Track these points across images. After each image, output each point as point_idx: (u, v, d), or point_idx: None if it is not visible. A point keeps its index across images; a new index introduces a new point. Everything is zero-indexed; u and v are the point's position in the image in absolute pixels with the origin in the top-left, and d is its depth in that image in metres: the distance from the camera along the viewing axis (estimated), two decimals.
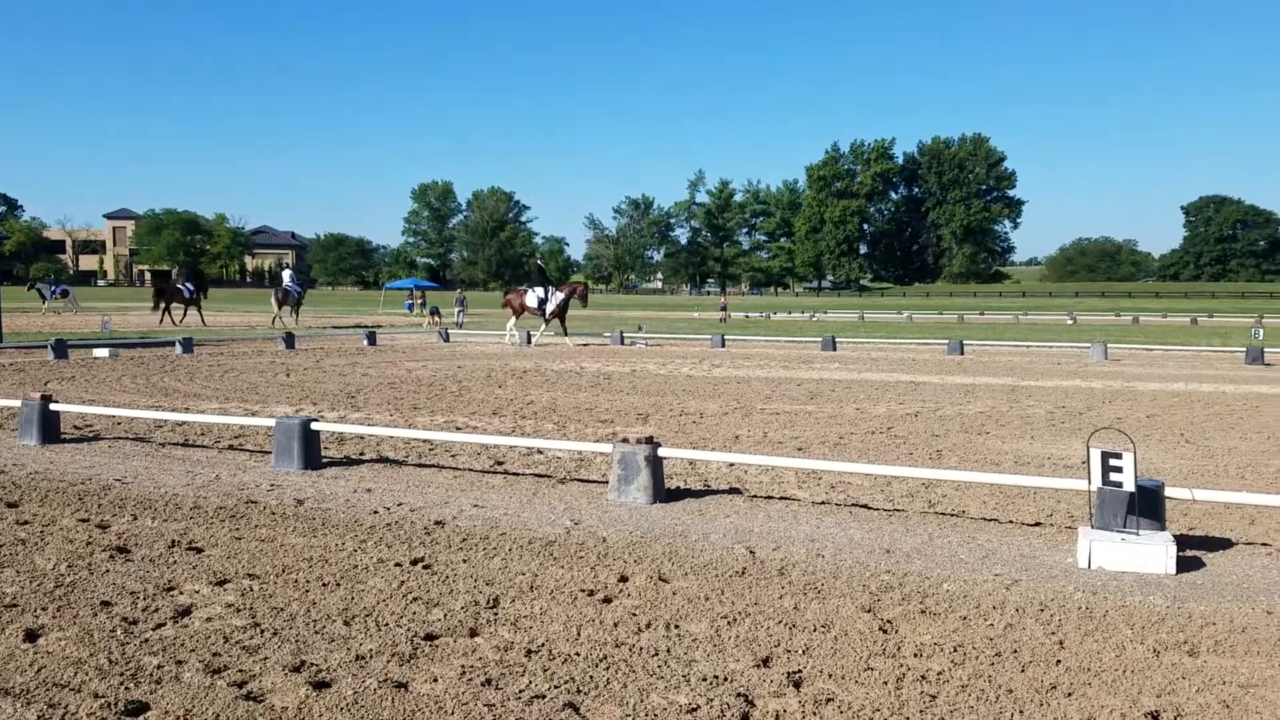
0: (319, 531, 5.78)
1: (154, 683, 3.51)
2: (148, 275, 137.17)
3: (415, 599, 4.51)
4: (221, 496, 6.70)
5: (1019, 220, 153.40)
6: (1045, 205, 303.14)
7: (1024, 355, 23.15)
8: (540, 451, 8.56)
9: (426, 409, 11.70)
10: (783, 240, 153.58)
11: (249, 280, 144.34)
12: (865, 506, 6.66)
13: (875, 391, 14.17)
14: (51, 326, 30.98)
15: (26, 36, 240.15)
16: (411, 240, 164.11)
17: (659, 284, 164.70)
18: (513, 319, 26.11)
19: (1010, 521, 6.27)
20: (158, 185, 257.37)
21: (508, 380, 15.59)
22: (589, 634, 4.09)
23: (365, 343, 24.83)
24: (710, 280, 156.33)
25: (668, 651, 3.89)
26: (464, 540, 5.60)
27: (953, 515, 6.43)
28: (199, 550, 5.33)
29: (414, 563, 5.13)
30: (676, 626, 4.19)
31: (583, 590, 4.68)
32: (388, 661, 3.74)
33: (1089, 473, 5.31)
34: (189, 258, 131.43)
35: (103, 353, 19.31)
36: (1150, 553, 5.04)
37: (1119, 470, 5.18)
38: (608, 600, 4.54)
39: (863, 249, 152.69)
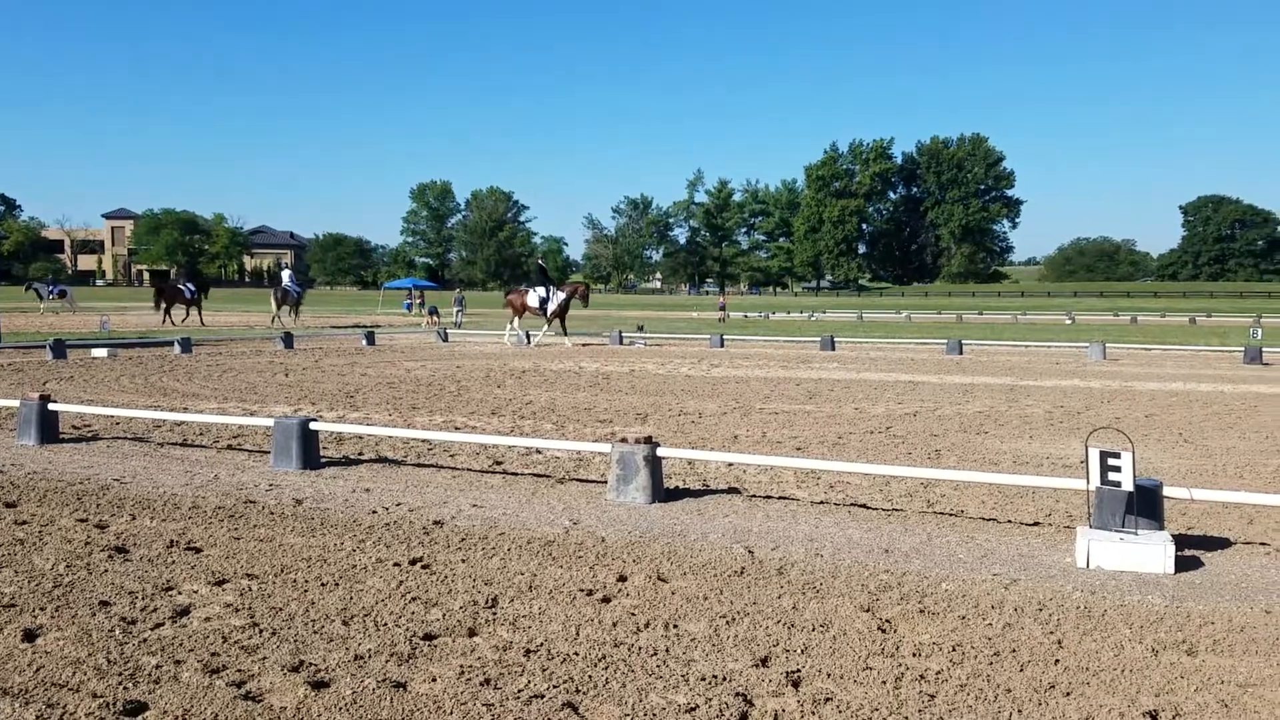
0: (317, 531, 5.78)
1: (152, 682, 3.50)
2: (146, 275, 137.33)
3: (414, 599, 4.51)
4: (220, 496, 6.70)
5: (1017, 220, 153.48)
6: (1044, 205, 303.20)
7: (1022, 355, 23.16)
8: (539, 451, 8.56)
9: (425, 409, 11.70)
10: (781, 240, 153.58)
11: (247, 280, 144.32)
12: (864, 506, 6.67)
13: (874, 391, 14.18)
14: (50, 326, 30.95)
15: (26, 36, 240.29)
16: (410, 240, 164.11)
17: (658, 284, 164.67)
18: (515, 319, 26.06)
19: (1009, 521, 6.27)
20: (156, 185, 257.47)
21: (506, 380, 15.59)
22: (588, 634, 4.09)
23: (364, 342, 24.82)
24: (709, 280, 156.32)
25: (666, 651, 3.89)
26: (463, 540, 5.60)
27: (951, 515, 6.43)
28: (197, 550, 5.33)
29: (413, 562, 5.13)
30: (675, 626, 4.19)
31: (581, 590, 4.68)
32: (386, 661, 3.74)
33: (1087, 472, 5.32)
34: (187, 257, 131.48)
35: (101, 353, 19.29)
36: (1148, 552, 5.04)
37: (1117, 470, 5.18)
38: (606, 600, 4.55)
39: (861, 249, 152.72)
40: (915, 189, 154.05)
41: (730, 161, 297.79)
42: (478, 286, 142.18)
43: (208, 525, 5.89)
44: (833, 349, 23.64)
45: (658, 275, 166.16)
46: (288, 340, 22.92)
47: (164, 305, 33.29)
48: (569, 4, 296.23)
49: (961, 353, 22.82)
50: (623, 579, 4.88)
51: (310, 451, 7.82)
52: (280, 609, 4.34)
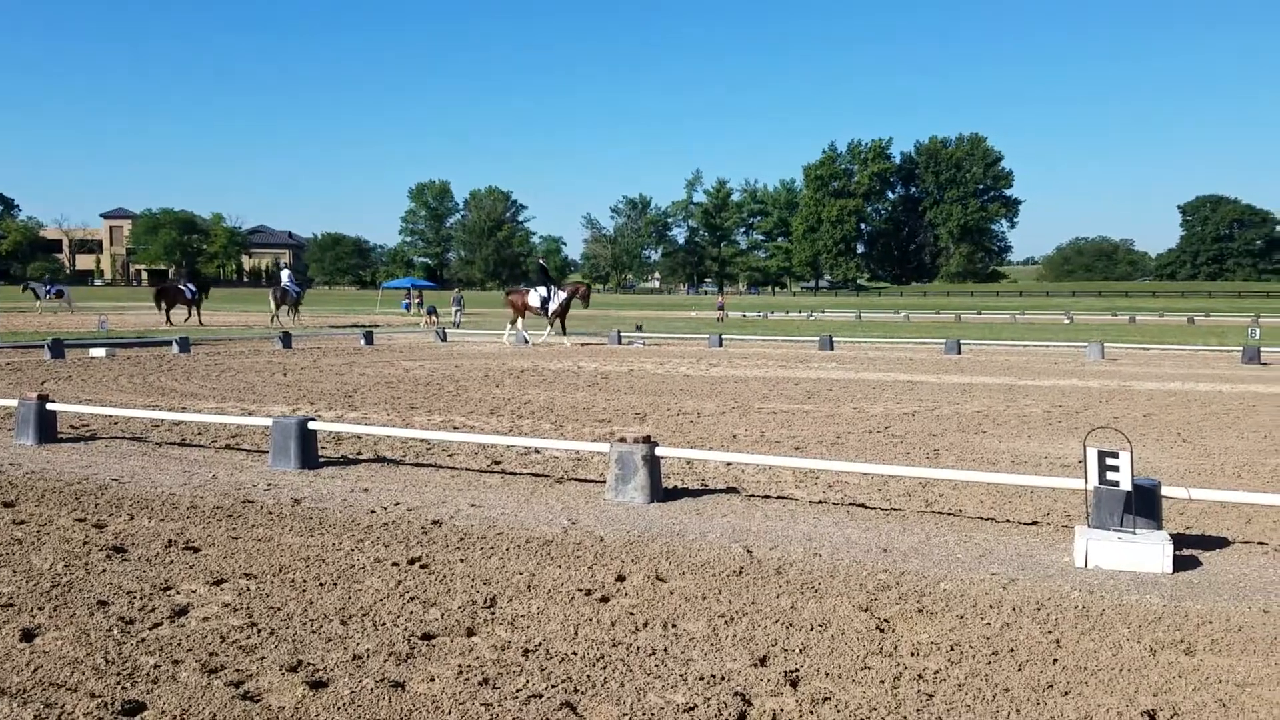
0: (316, 531, 5.78)
1: (151, 682, 3.50)
2: (144, 275, 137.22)
3: (412, 599, 4.51)
4: (218, 496, 6.70)
5: (1016, 220, 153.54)
6: (1042, 205, 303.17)
7: (1021, 355, 23.18)
8: (538, 451, 8.56)
9: (424, 408, 11.70)
10: (780, 240, 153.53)
11: (246, 280, 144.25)
12: (862, 506, 6.67)
13: (872, 391, 14.18)
14: (48, 326, 30.92)
15: (25, 36, 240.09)
16: (409, 240, 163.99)
17: (656, 284, 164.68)
18: (518, 319, 25.99)
19: (1007, 520, 6.27)
20: (154, 185, 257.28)
21: (505, 380, 15.59)
22: (586, 633, 4.09)
23: (362, 342, 24.81)
24: (708, 280, 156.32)
25: (665, 651, 3.89)
26: (461, 540, 5.60)
27: (950, 514, 6.43)
28: (196, 550, 5.33)
29: (411, 562, 5.13)
30: (674, 626, 4.19)
31: (580, 590, 4.68)
32: (385, 661, 3.74)
33: (1086, 472, 5.32)
34: (185, 257, 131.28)
35: (99, 352, 19.28)
36: (1147, 552, 5.05)
37: (1116, 469, 5.19)
38: (605, 600, 4.55)
39: (860, 249, 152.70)
40: (914, 189, 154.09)
41: (729, 161, 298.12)
42: (476, 286, 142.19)
43: (206, 525, 5.89)
44: (831, 349, 23.65)
45: (656, 275, 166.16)
46: (286, 340, 22.91)
47: (165, 305, 33.29)
48: (569, 4, 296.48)
49: (960, 352, 22.83)
50: (621, 579, 4.88)
51: (308, 451, 7.82)
52: (278, 609, 4.34)
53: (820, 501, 6.80)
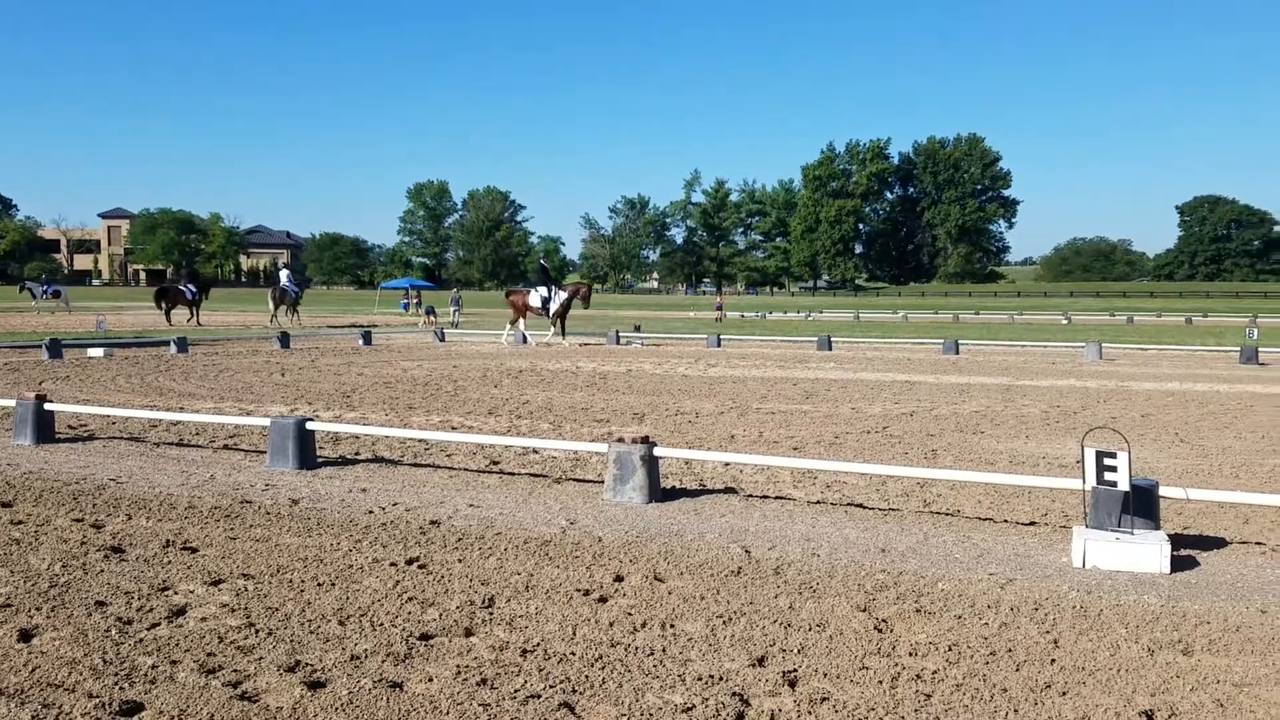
0: (314, 531, 5.77)
1: (148, 683, 3.50)
2: (142, 275, 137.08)
3: (410, 599, 4.51)
4: (216, 496, 6.69)
5: (1014, 220, 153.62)
6: (1040, 205, 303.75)
7: (1019, 355, 23.19)
8: (536, 451, 8.55)
9: (422, 408, 11.69)
10: (778, 240, 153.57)
11: (244, 280, 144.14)
12: (860, 506, 6.67)
13: (870, 391, 14.19)
14: (46, 326, 30.89)
15: (24, 36, 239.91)
16: (407, 240, 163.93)
17: (655, 284, 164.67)
18: (519, 320, 25.93)
19: (1005, 521, 6.28)
20: (152, 184, 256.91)
21: (503, 380, 15.58)
22: (584, 634, 4.08)
23: (360, 342, 24.80)
24: (706, 280, 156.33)
25: (663, 651, 3.89)
26: (459, 540, 5.60)
27: (948, 515, 6.44)
28: (194, 550, 5.32)
29: (409, 562, 5.12)
30: (672, 626, 4.19)
31: (578, 590, 4.68)
32: (383, 661, 3.74)
33: (1084, 472, 5.33)
34: (183, 257, 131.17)
35: (97, 352, 19.26)
36: (1145, 552, 5.05)
37: (1113, 470, 5.19)
38: (603, 600, 4.54)
39: (858, 249, 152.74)
40: (912, 189, 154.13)
41: (728, 162, 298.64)
42: (474, 286, 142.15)
43: (204, 525, 5.89)
44: (829, 349, 23.66)
45: (655, 275, 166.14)
46: (284, 340, 22.90)
47: (166, 306, 33.28)
48: (569, 4, 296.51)
49: (958, 353, 22.84)
50: (619, 579, 4.88)
51: (306, 451, 7.81)
52: (276, 609, 4.34)
53: (818, 502, 6.80)
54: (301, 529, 5.82)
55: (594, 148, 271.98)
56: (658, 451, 6.78)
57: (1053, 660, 3.83)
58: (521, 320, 26.01)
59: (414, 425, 10.21)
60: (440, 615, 4.29)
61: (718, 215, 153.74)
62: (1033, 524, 6.19)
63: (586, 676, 3.62)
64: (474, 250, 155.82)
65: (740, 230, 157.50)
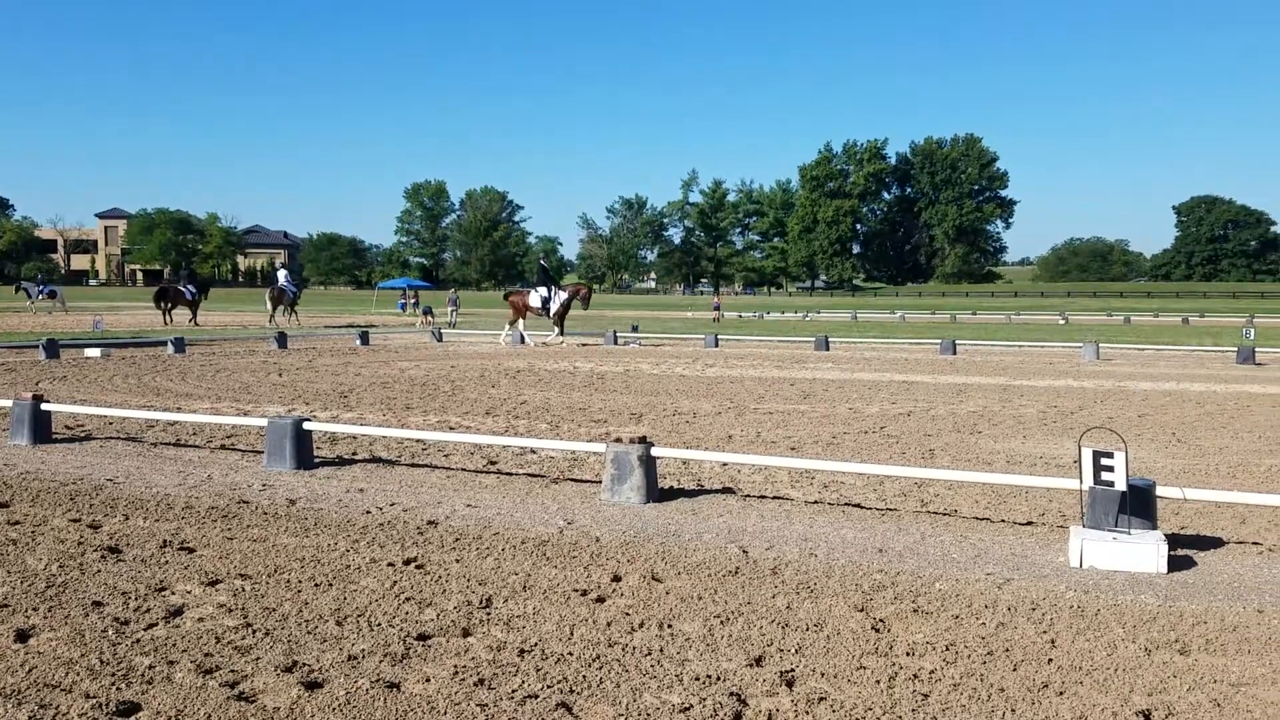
0: (311, 532, 5.77)
1: (145, 683, 3.50)
2: (139, 275, 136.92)
3: (408, 599, 4.51)
4: (213, 496, 6.68)
5: (1011, 220, 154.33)
6: (1037, 205, 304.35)
7: (1016, 355, 23.21)
8: (533, 451, 8.55)
9: (419, 409, 11.68)
10: (776, 240, 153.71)
11: (241, 280, 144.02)
12: (858, 506, 6.67)
13: (868, 391, 14.19)
14: (43, 326, 30.85)
15: (23, 36, 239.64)
16: (404, 240, 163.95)
17: (652, 284, 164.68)
18: (519, 320, 25.86)
19: (1002, 521, 6.28)
20: (149, 184, 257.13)
21: (501, 380, 15.58)
22: (582, 634, 4.08)
23: (358, 342, 24.78)
24: (704, 280, 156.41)
25: (661, 651, 3.89)
26: (457, 540, 5.60)
27: (945, 514, 6.44)
28: (191, 550, 5.32)
29: (407, 563, 5.12)
30: (669, 626, 4.19)
31: (576, 590, 4.68)
32: (380, 662, 3.74)
33: (1081, 472, 5.33)
34: (180, 257, 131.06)
35: (94, 352, 19.23)
36: (1142, 552, 5.06)
37: (1110, 469, 5.20)
38: (601, 600, 4.54)
39: (855, 249, 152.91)
40: (909, 189, 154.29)
41: (726, 162, 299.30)
42: (472, 286, 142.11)
43: (201, 525, 5.88)
44: (827, 349, 23.67)
45: (652, 275, 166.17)
46: (281, 340, 22.88)
47: (166, 306, 33.26)
48: (568, 4, 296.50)
49: (955, 353, 22.85)
50: (617, 579, 4.88)
51: (304, 451, 7.81)
52: (274, 609, 4.34)
53: (816, 502, 6.81)
54: (299, 529, 5.82)
55: (592, 148, 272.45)
56: (655, 452, 6.78)
57: (1050, 660, 3.83)
58: (521, 321, 25.96)
59: (411, 425, 10.20)
60: (438, 615, 4.28)
61: (715, 215, 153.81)
62: (1030, 524, 6.19)
63: (584, 676, 3.62)
64: (471, 250, 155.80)
65: (738, 230, 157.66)
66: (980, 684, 3.58)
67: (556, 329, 25.75)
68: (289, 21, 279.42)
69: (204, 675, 3.56)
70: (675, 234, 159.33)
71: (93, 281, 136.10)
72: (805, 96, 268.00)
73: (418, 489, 7.07)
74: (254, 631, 4.04)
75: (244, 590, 4.61)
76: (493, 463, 8.18)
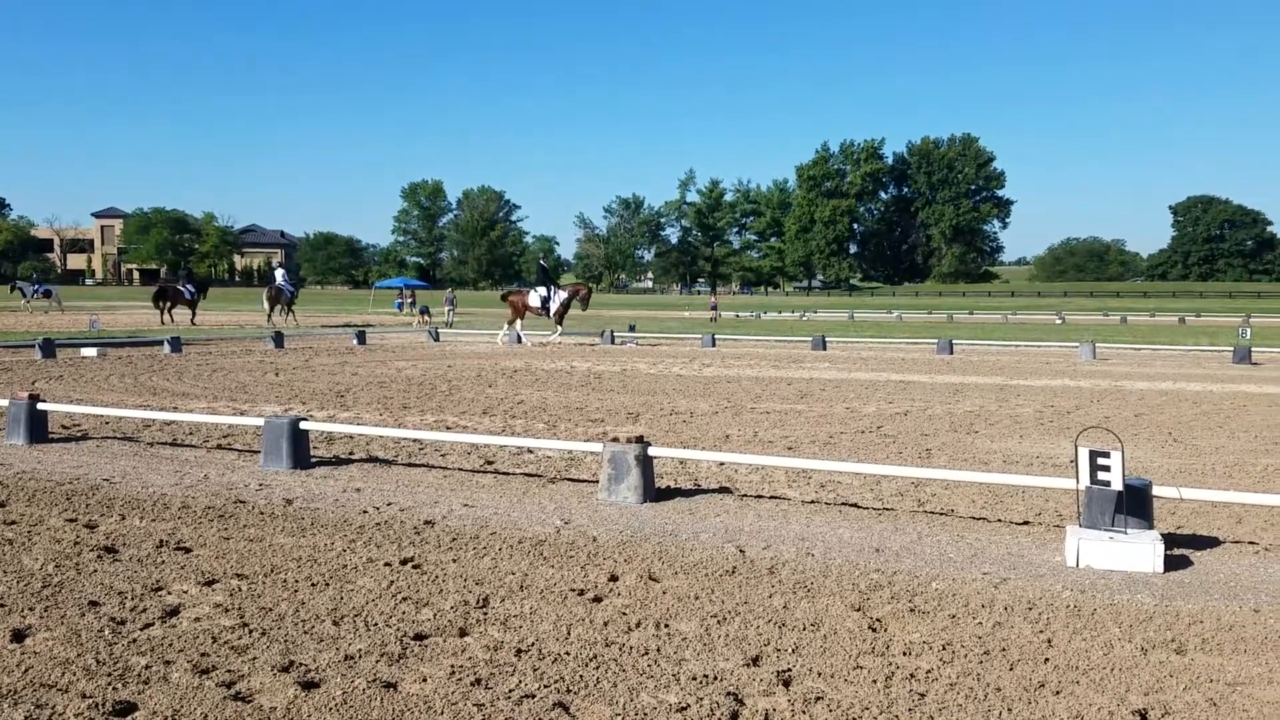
0: (308, 531, 5.76)
1: (142, 683, 3.49)
2: (136, 274, 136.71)
3: (405, 599, 4.50)
4: (210, 496, 6.68)
5: (1008, 220, 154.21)
6: (1034, 205, 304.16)
7: (1013, 355, 23.23)
8: (530, 451, 8.55)
9: (416, 408, 11.68)
10: (773, 240, 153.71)
11: (238, 279, 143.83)
12: (855, 505, 6.68)
13: (865, 391, 14.20)
14: (39, 325, 30.80)
15: (22, 35, 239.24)
16: (401, 239, 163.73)
17: (649, 283, 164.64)
18: (517, 320, 25.79)
19: (999, 520, 6.29)
20: (146, 184, 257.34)
21: (498, 379, 15.57)
22: (579, 633, 4.08)
23: (355, 342, 24.76)
24: (701, 280, 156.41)
25: (658, 650, 3.89)
26: (454, 540, 5.60)
27: (942, 514, 6.44)
28: (187, 550, 5.31)
29: (403, 562, 5.12)
30: (666, 625, 4.19)
31: (573, 590, 4.68)
32: (377, 661, 3.73)
33: (1077, 471, 5.34)
34: (177, 257, 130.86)
35: (91, 352, 19.20)
36: (1138, 551, 5.06)
37: (1107, 469, 5.20)
38: (598, 599, 4.54)
39: (852, 249, 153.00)
40: (906, 189, 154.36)
41: (723, 162, 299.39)
42: (469, 286, 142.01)
43: (197, 525, 5.87)
44: (824, 349, 23.67)
45: (649, 275, 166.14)
46: (278, 340, 22.86)
47: (165, 306, 33.22)
48: (567, 4, 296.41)
49: (952, 352, 22.87)
50: (614, 579, 4.88)
51: (300, 451, 7.80)
52: (270, 609, 4.33)
53: (813, 501, 6.81)
54: (295, 529, 5.81)
55: (589, 147, 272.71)
56: (652, 451, 6.78)
57: (1046, 659, 3.84)
58: (519, 321, 25.92)
59: (408, 425, 10.20)
60: (434, 615, 4.28)
61: (712, 215, 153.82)
62: (1026, 523, 6.20)
63: (581, 676, 3.62)
64: (468, 250, 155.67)
65: (735, 230, 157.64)
66: (977, 683, 3.59)
67: (557, 329, 25.68)
68: (288, 21, 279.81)
69: (200, 675, 3.56)
70: (672, 234, 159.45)
71: (89, 281, 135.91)
72: (803, 96, 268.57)
73: (414, 489, 7.06)
74: (250, 631, 4.04)
75: (240, 590, 4.60)
76: (490, 462, 8.17)
